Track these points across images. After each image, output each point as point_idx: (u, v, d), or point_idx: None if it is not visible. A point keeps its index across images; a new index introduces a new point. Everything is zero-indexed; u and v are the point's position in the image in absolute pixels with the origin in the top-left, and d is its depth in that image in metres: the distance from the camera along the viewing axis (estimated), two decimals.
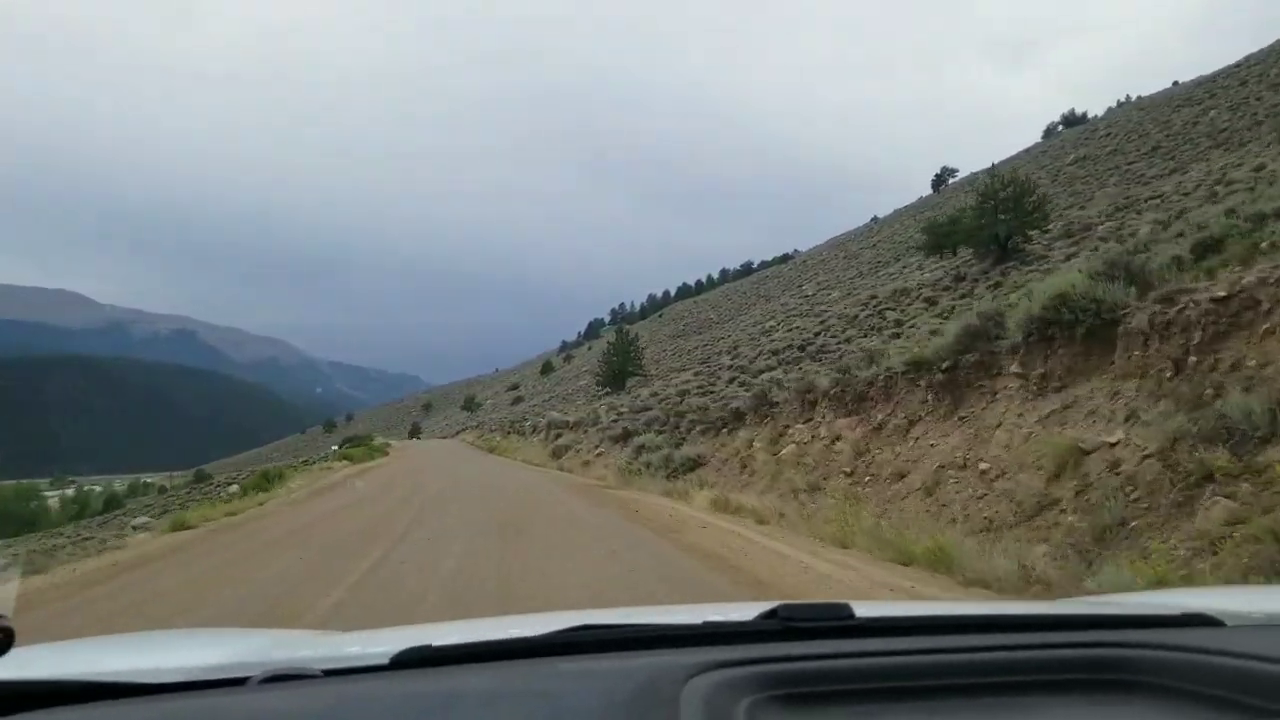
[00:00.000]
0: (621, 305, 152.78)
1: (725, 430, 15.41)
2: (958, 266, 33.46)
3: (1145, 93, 77.68)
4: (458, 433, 66.02)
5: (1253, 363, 5.35)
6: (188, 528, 10.15)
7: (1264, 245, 7.34)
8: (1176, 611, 1.32)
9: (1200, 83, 62.37)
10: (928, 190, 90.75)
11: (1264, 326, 5.41)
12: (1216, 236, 8.61)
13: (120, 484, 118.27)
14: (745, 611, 1.25)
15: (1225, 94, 51.26)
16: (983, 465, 7.21)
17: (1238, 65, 58.91)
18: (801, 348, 29.44)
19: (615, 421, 24.98)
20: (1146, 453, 5.54)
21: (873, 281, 45.61)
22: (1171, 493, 5.08)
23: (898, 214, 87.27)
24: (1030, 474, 6.50)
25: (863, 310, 32.74)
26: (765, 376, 23.26)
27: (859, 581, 5.32)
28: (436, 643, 1.16)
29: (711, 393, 25.99)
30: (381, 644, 1.19)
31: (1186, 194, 27.35)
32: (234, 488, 32.06)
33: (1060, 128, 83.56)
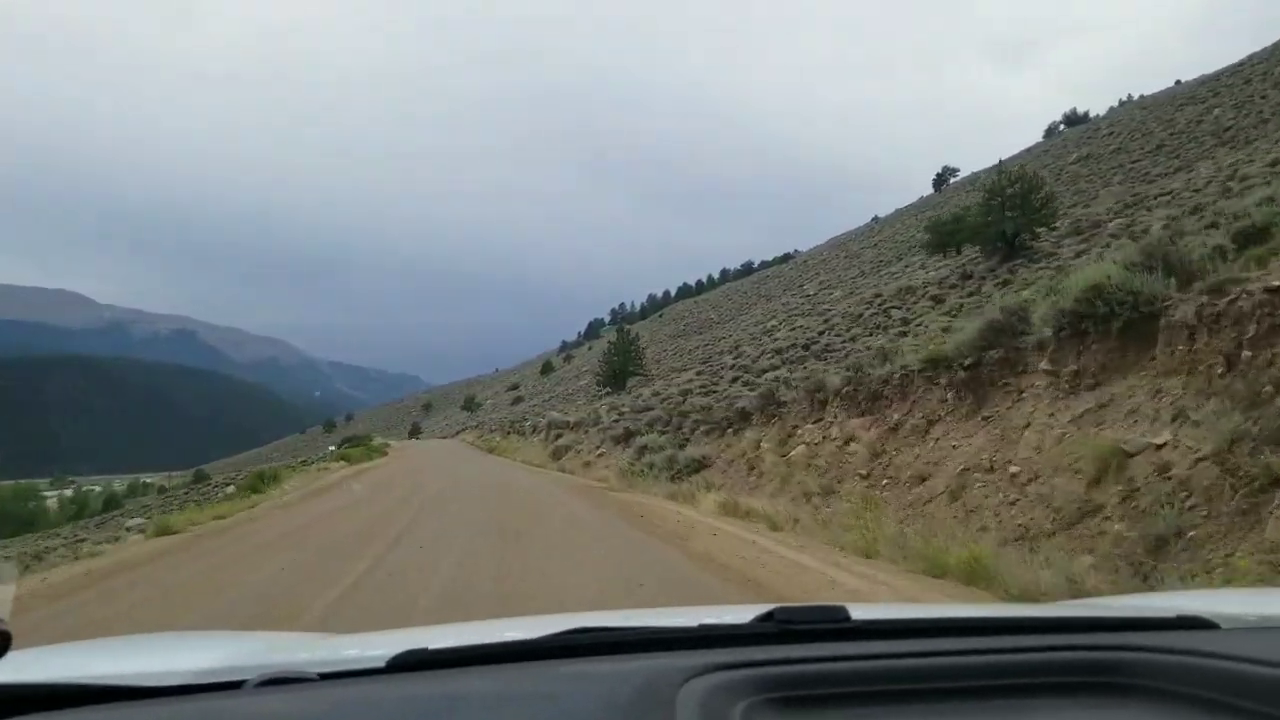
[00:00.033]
0: (621, 305, 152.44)
1: (731, 430, 14.97)
2: (963, 264, 33.05)
3: (1146, 92, 77.44)
4: (457, 433, 65.67)
5: None
6: (172, 533, 9.70)
7: None
8: (1171, 614, 1.32)
9: (1203, 81, 62.12)
10: (928, 190, 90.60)
11: None
12: (1259, 225, 8.15)
13: (120, 484, 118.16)
14: (742, 614, 1.25)
15: (1229, 92, 51.03)
16: (1013, 468, 6.76)
17: (1240, 64, 58.70)
18: (806, 347, 29.03)
19: (617, 422, 24.57)
20: (1200, 455, 5.09)
21: (875, 281, 45.29)
22: (1234, 499, 4.63)
23: (899, 213, 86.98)
24: (1067, 478, 6.05)
25: (867, 309, 32.32)
26: (769, 376, 22.88)
27: (897, 601, 4.85)
28: (433, 646, 1.15)
29: (714, 392, 25.61)
30: (378, 647, 1.17)
31: (1198, 190, 26.93)
32: (231, 488, 31.67)
33: (1062, 127, 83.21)
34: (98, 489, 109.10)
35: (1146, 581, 4.48)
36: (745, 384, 24.60)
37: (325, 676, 1.07)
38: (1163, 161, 43.07)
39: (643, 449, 17.18)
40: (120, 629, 4.88)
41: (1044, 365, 7.36)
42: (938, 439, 8.40)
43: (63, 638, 4.60)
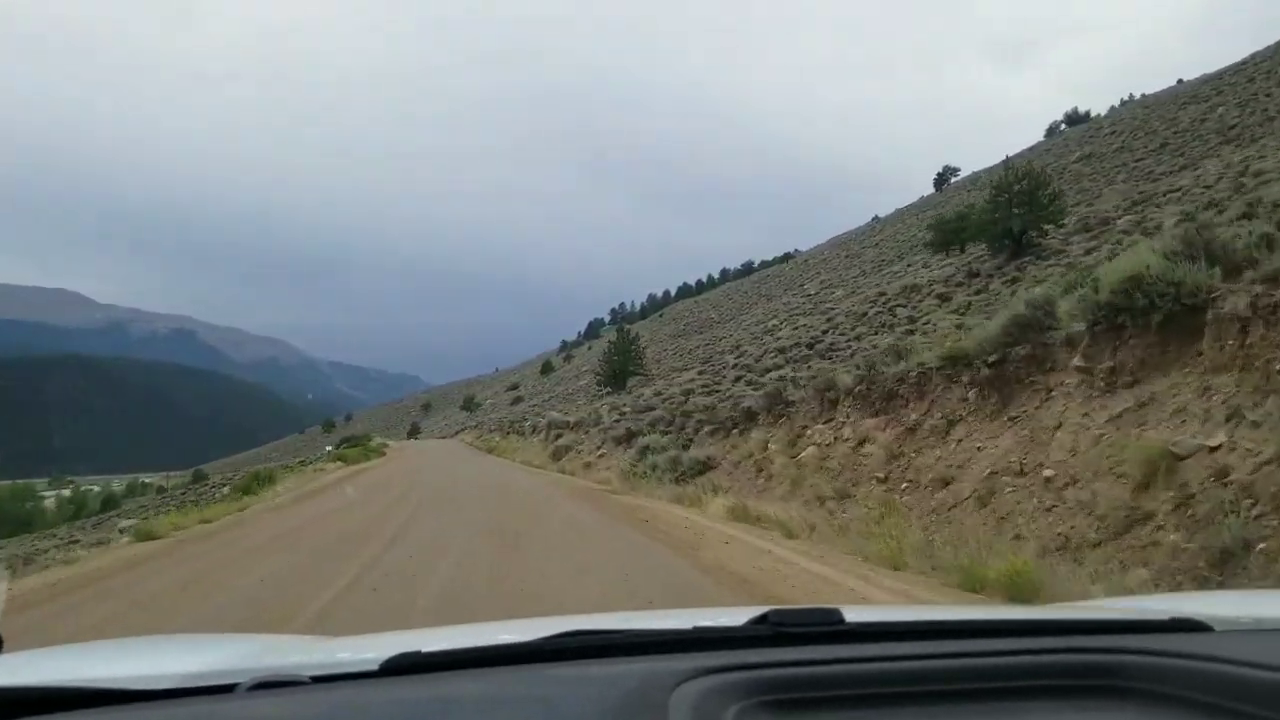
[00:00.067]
0: (621, 305, 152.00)
1: (736, 431, 14.52)
2: (969, 262, 32.63)
3: (1146, 92, 77.12)
4: (457, 433, 65.28)
5: None
6: (154, 538, 9.23)
7: None
8: (1166, 616, 1.32)
9: (1206, 80, 61.86)
10: (928, 190, 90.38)
11: None
12: None
13: (118, 484, 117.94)
14: (737, 616, 1.24)
15: (1232, 91, 50.78)
16: (1046, 472, 6.30)
17: (1243, 63, 58.46)
18: (810, 345, 28.61)
19: (618, 422, 24.13)
20: (1263, 458, 4.65)
21: (877, 280, 44.95)
22: None
23: (900, 213, 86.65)
24: (1110, 482, 5.60)
25: (871, 307, 31.89)
26: (773, 375, 22.50)
27: None
28: (427, 648, 1.15)
29: (717, 392, 25.21)
30: (372, 649, 1.16)
31: (1209, 186, 26.51)
32: (228, 489, 31.24)
33: (1063, 126, 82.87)
34: (96, 489, 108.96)
35: None
36: (749, 383, 24.21)
37: (318, 679, 1.06)
38: (1167, 160, 42.84)
39: (645, 450, 16.73)
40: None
41: (1076, 362, 6.91)
42: (960, 440, 7.95)
43: None
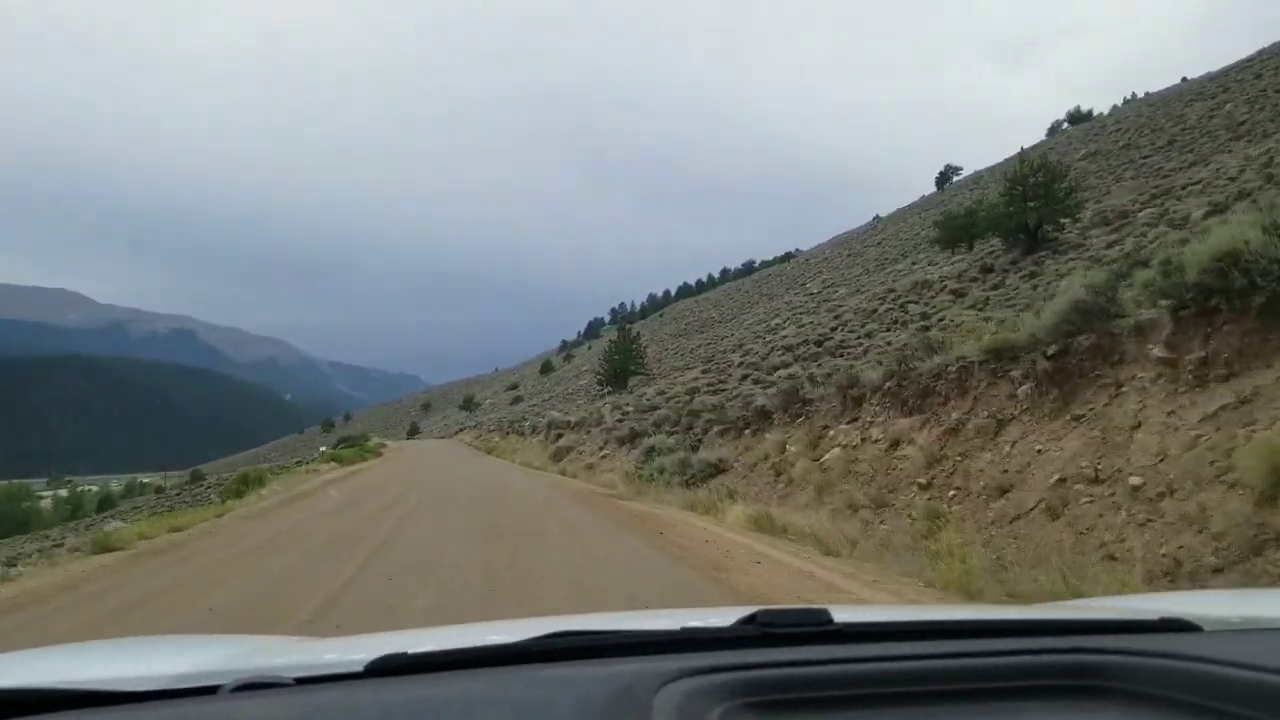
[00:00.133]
0: (622, 305, 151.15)
1: (749, 431, 13.62)
2: (982, 258, 31.77)
3: (1147, 91, 76.50)
4: (456, 433, 64.51)
5: None
6: (111, 550, 8.32)
7: None
8: (1154, 616, 1.31)
9: (1211, 78, 61.22)
10: (928, 190, 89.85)
11: None
12: None
13: (117, 484, 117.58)
14: (726, 617, 1.23)
15: (1239, 88, 50.18)
16: (1132, 479, 5.39)
17: (1250, 60, 57.86)
18: (819, 343, 27.76)
19: (621, 421, 23.25)
20: None
21: (881, 278, 44.25)
22: None
23: (901, 212, 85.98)
24: (1221, 493, 4.69)
25: (881, 304, 31.04)
26: (782, 373, 21.70)
27: None
28: (413, 649, 1.13)
29: (723, 390, 24.40)
30: (358, 651, 1.14)
31: (1232, 179, 25.65)
32: (216, 492, 30.38)
33: (1066, 125, 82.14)
34: (94, 489, 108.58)
35: None
36: (756, 381, 23.42)
37: (302, 681, 1.05)
38: (1175, 156, 42.35)
39: (651, 451, 15.85)
40: None
41: (1157, 352, 6.00)
42: (1014, 442, 7.03)
43: None
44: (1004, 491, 6.52)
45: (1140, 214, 26.18)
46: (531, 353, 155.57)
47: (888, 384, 9.77)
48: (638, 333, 50.21)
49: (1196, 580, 4.31)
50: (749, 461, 12.40)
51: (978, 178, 76.58)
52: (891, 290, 33.53)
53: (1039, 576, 4.61)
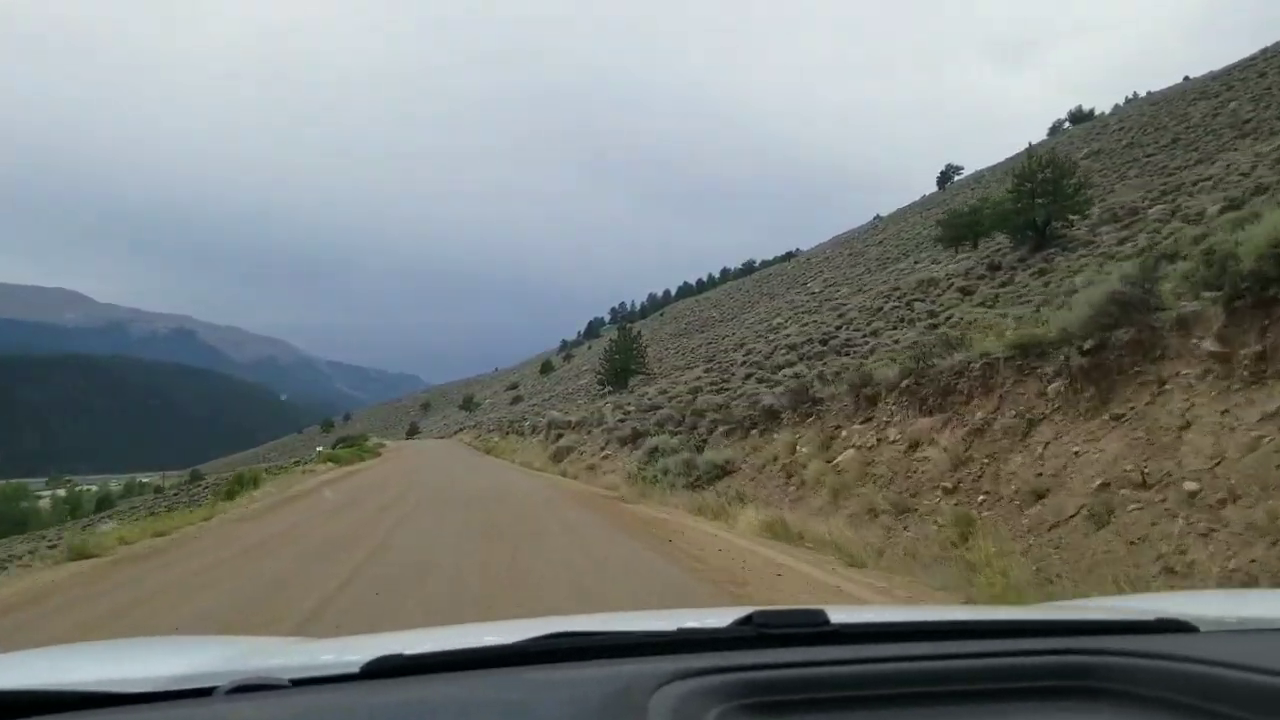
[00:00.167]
0: (622, 304, 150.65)
1: (756, 431, 13.17)
2: (989, 255, 31.34)
3: (1148, 90, 76.12)
4: (455, 433, 64.11)
5: None
6: (86, 557, 7.86)
7: None
8: (1150, 616, 1.31)
9: (1214, 77, 60.88)
10: (928, 190, 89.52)
11: None
12: None
13: (116, 484, 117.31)
14: (722, 618, 1.23)
15: (1243, 86, 49.86)
16: (1188, 484, 4.94)
17: (1253, 59, 57.54)
18: (824, 342, 27.33)
19: (622, 421, 22.81)
20: None
21: (883, 277, 43.84)
22: None
23: (902, 211, 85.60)
24: None
25: (886, 302, 30.60)
26: (786, 372, 21.29)
27: None
28: (409, 651, 1.12)
29: (727, 390, 23.98)
30: (354, 652, 1.14)
31: (1245, 174, 25.22)
32: (211, 492, 29.95)
33: (1067, 124, 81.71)
34: (93, 489, 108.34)
35: None
36: (760, 380, 22.99)
37: (298, 682, 1.04)
38: (1180, 154, 42.06)
39: (654, 451, 15.41)
40: None
41: (1209, 345, 5.55)
42: (1047, 443, 6.58)
43: None
44: (1039, 496, 6.07)
45: (1151, 210, 25.75)
46: (531, 352, 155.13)
47: (905, 382, 9.33)
48: (638, 332, 49.80)
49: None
50: (757, 463, 11.95)
51: (979, 177, 76.23)
52: (896, 288, 33.10)
53: (1090, 591, 4.18)
